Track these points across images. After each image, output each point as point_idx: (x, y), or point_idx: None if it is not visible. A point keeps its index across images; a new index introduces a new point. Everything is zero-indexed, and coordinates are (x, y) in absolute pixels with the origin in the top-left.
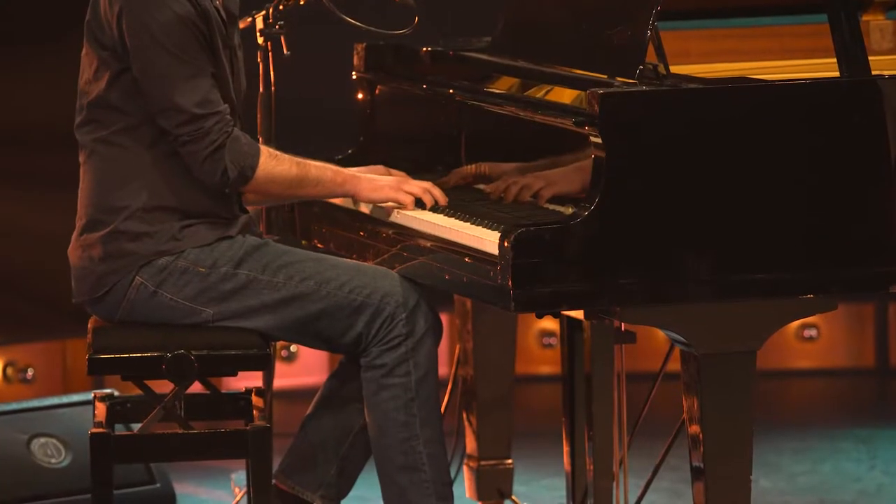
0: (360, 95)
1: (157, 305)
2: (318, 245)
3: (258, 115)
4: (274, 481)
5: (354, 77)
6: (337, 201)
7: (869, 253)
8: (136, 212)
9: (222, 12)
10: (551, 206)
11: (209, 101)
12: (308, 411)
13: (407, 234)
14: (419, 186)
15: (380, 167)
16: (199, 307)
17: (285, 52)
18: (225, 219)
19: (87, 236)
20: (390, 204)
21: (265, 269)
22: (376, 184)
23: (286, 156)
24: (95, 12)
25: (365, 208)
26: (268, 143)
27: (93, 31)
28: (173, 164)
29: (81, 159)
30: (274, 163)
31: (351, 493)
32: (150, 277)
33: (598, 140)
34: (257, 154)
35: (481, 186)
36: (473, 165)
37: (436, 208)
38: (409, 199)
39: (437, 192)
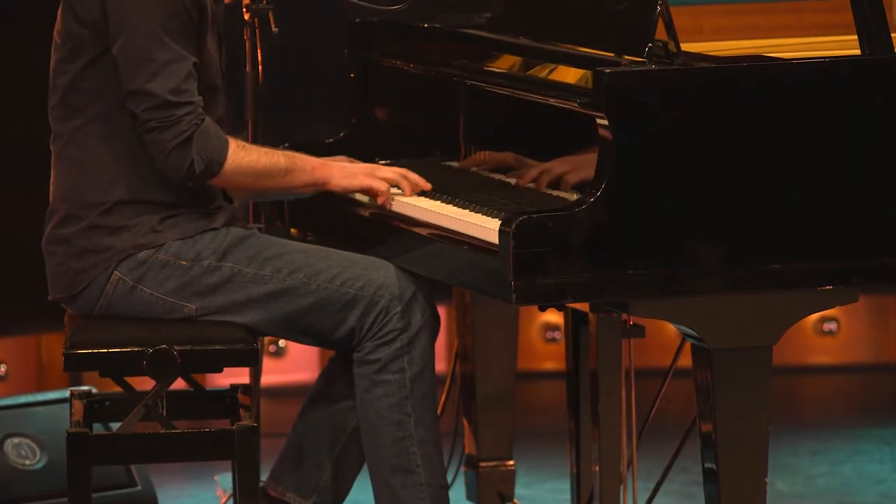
0: (352, 75)
1: (136, 301)
2: (309, 234)
3: (246, 96)
4: (265, 488)
5: (347, 55)
6: None
7: (892, 241)
8: (116, 206)
9: None
10: (555, 193)
11: (183, 91)
12: (299, 412)
13: (402, 221)
14: (394, 172)
15: (343, 157)
16: (180, 302)
17: (273, 28)
18: (208, 210)
19: (61, 231)
20: (364, 193)
21: (251, 261)
22: (349, 170)
23: (254, 146)
24: None
25: (357, 195)
26: (255, 125)
27: (71, 4)
28: None
29: (55, 148)
30: (242, 154)
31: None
32: (128, 272)
33: (605, 122)
34: (225, 146)
35: (477, 171)
36: (486, 154)
37: (431, 194)
38: (384, 186)
39: (415, 178)
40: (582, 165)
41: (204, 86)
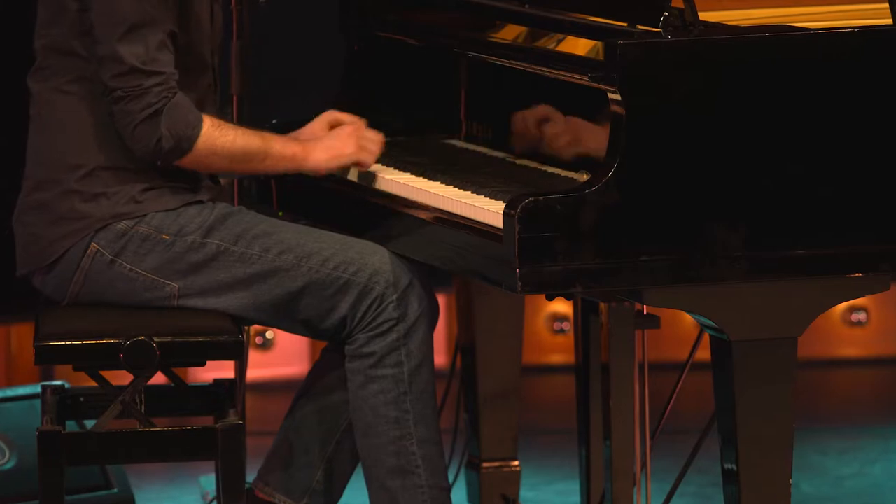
0: (344, 48)
1: (114, 277)
2: (299, 217)
3: (231, 69)
4: (252, 490)
5: (338, 27)
6: None
7: None
8: (95, 170)
9: None
10: (563, 173)
11: (154, 60)
12: (289, 408)
13: (399, 203)
14: (377, 144)
15: (330, 112)
16: (162, 280)
17: None
18: (193, 185)
19: (36, 196)
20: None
21: (238, 239)
22: (335, 151)
23: (232, 126)
24: None
25: (351, 175)
26: (240, 100)
27: None
28: None
29: (33, 111)
30: (216, 133)
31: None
32: (107, 244)
33: (617, 97)
34: (199, 124)
35: (484, 150)
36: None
37: (430, 174)
38: (371, 159)
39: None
40: (587, 139)
41: (191, 60)
